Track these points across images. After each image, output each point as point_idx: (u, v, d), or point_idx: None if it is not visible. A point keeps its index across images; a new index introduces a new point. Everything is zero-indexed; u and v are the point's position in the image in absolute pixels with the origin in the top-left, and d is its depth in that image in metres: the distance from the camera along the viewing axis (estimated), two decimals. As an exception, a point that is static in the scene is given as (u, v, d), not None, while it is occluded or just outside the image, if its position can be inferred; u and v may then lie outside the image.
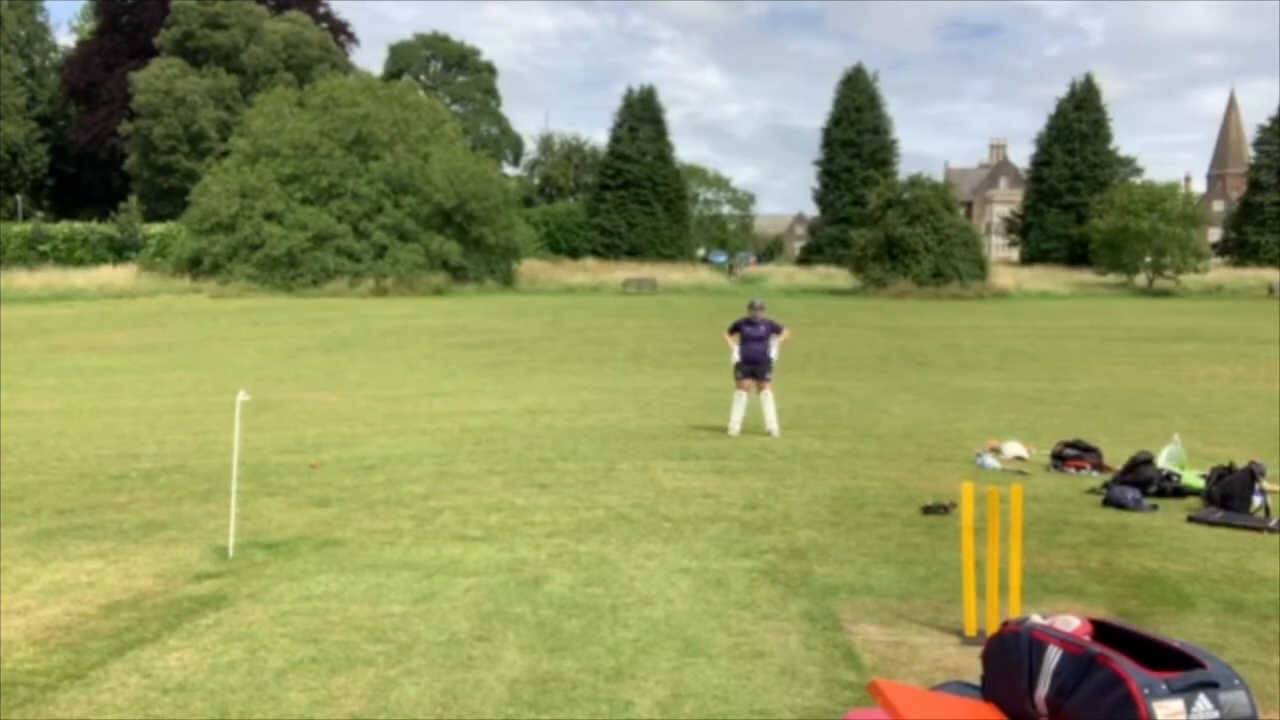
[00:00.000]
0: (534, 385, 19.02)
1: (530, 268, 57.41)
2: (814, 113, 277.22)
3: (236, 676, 4.99)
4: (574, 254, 66.11)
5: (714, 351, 23.11)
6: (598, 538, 7.70)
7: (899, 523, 8.22)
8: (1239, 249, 70.57)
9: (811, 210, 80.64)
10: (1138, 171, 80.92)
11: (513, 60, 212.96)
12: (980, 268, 55.42)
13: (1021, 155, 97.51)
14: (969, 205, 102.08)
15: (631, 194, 67.94)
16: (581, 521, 8.23)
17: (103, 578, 6.68)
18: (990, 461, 10.81)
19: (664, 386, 18.59)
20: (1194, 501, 8.97)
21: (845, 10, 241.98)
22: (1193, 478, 9.45)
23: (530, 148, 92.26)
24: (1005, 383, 19.52)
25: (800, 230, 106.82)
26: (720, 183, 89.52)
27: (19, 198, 69.22)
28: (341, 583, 6.56)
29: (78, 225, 59.60)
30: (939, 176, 67.91)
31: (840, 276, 58.87)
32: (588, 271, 58.88)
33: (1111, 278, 59.45)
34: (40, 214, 66.92)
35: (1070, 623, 3.56)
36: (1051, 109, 72.55)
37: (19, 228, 59.06)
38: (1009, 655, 3.57)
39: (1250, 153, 75.05)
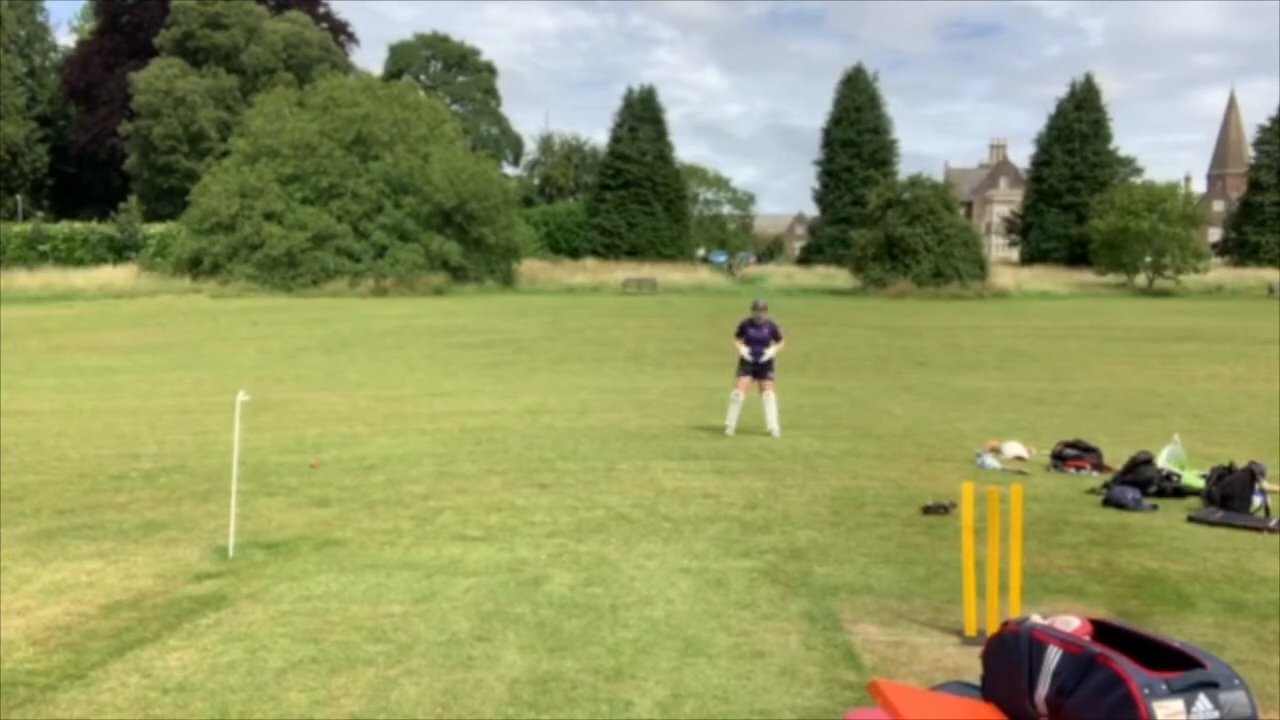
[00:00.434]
0: (534, 385, 19.01)
1: (530, 268, 57.40)
2: (814, 113, 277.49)
3: (236, 676, 4.99)
4: (574, 254, 66.11)
5: (714, 351, 23.12)
6: (598, 538, 7.70)
7: (899, 523, 8.22)
8: (1239, 249, 70.58)
9: (811, 210, 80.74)
10: (1138, 171, 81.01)
11: (513, 60, 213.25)
12: (980, 268, 55.42)
13: (1021, 155, 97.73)
14: (969, 205, 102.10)
15: (631, 194, 67.94)
16: (581, 521, 8.23)
17: (103, 578, 6.68)
18: (990, 461, 10.81)
19: (664, 386, 18.58)
20: (1194, 501, 8.97)
21: (845, 10, 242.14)
22: (1193, 478, 9.44)
23: (530, 148, 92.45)
24: (1005, 383, 19.52)
25: (800, 230, 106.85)
26: (720, 183, 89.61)
27: (19, 198, 69.23)
28: (341, 583, 6.56)
29: (78, 225, 59.59)
30: (939, 176, 67.92)
31: (840, 276, 58.87)
32: (588, 271, 58.88)
33: (1111, 278, 59.44)
34: (40, 214, 66.92)
35: (1070, 623, 3.56)
36: (1051, 109, 72.67)
37: (19, 228, 59.05)
38: (1009, 655, 3.57)
39: (1250, 153, 75.06)
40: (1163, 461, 9.74)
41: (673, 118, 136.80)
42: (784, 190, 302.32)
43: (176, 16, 65.22)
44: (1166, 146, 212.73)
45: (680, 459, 11.04)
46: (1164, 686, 3.14)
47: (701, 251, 75.84)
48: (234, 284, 48.04)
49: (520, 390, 18.05)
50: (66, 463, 10.89)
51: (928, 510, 8.53)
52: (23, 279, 48.33)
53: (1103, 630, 3.53)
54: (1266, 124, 71.54)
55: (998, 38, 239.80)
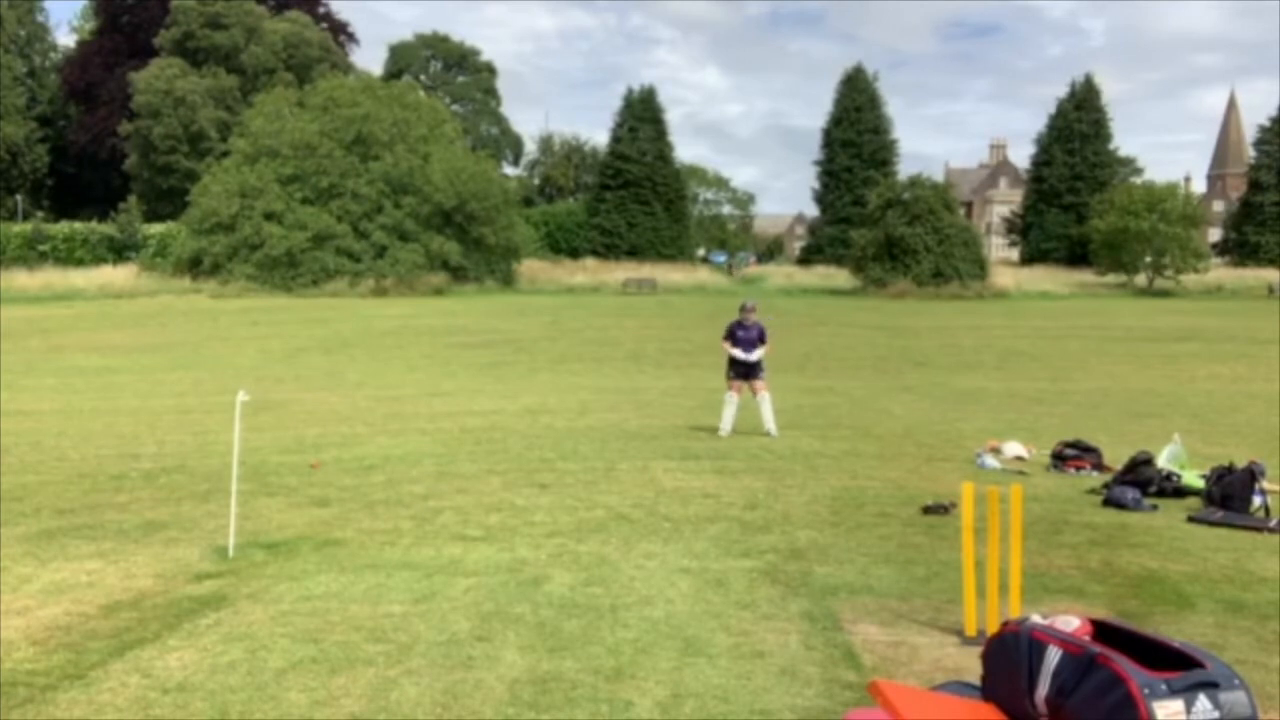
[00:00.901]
0: (534, 385, 19.02)
1: (530, 268, 57.40)
2: (814, 113, 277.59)
3: (236, 676, 4.99)
4: (574, 254, 66.10)
5: (714, 352, 23.05)
6: (598, 538, 7.70)
7: (899, 523, 8.22)
8: (1239, 249, 70.57)
9: (811, 210, 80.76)
10: (1138, 171, 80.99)
11: (513, 60, 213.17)
12: (980, 268, 55.42)
13: (1021, 155, 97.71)
14: (969, 205, 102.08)
15: (631, 194, 67.93)
16: (581, 521, 8.23)
17: (103, 578, 6.68)
18: (990, 461, 10.81)
19: (664, 386, 18.58)
20: (1194, 501, 8.97)
21: (845, 10, 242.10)
22: (1193, 478, 9.44)
23: (530, 148, 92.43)
24: (1005, 383, 19.52)
25: (800, 230, 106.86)
26: (720, 183, 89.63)
27: (19, 198, 69.22)
28: (341, 583, 6.56)
29: (78, 225, 59.58)
30: (939, 176, 68.00)
31: (840, 276, 58.86)
32: (588, 271, 58.87)
33: (1111, 278, 59.44)
34: (40, 214, 66.92)
35: (1070, 623, 3.56)
36: (1051, 109, 72.66)
37: (19, 228, 59.05)
38: (1009, 655, 3.56)
39: (1250, 153, 75.06)
40: (1163, 461, 9.73)
41: (673, 118, 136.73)
42: (784, 190, 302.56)
43: (176, 16, 65.20)
44: (1166, 146, 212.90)
45: (680, 459, 11.04)
46: (1164, 686, 3.14)
47: (701, 251, 75.84)
48: (234, 284, 48.04)
49: (520, 390, 18.05)
50: (66, 463, 10.89)
51: (928, 510, 8.53)
52: (23, 279, 48.34)
53: (1103, 630, 3.53)
54: (1266, 124, 71.55)
55: (998, 38, 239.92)
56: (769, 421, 12.69)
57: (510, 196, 55.91)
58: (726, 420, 12.82)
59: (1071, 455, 10.68)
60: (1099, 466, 10.45)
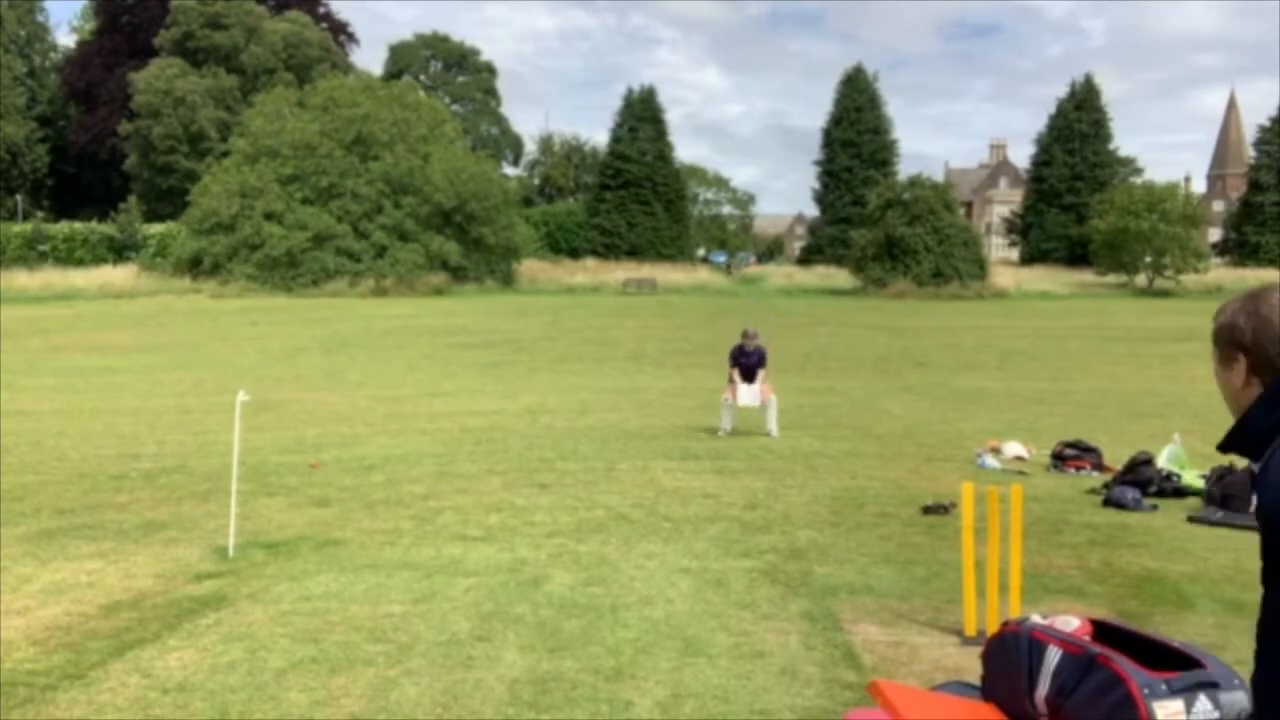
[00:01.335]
0: (534, 385, 19.01)
1: (530, 268, 57.38)
2: (814, 113, 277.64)
3: (236, 676, 4.99)
4: (574, 254, 66.07)
5: (714, 352, 23.08)
6: (598, 538, 7.70)
7: (899, 523, 8.22)
8: (1239, 249, 70.51)
9: (811, 210, 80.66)
10: (1138, 171, 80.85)
11: (513, 60, 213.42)
12: (980, 268, 55.40)
13: (1021, 155, 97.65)
14: (969, 205, 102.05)
15: (631, 194, 67.90)
16: (581, 521, 8.23)
17: (103, 578, 6.68)
18: (990, 461, 10.81)
19: (664, 386, 18.58)
20: (1194, 501, 8.97)
21: (845, 10, 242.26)
22: (1193, 478, 9.45)
23: (530, 148, 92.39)
24: (1005, 383, 19.51)
25: (800, 230, 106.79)
26: (720, 183, 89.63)
27: (19, 198, 69.20)
28: (341, 583, 6.56)
29: (78, 225, 59.54)
30: (939, 176, 67.94)
31: (840, 276, 58.83)
32: (588, 271, 58.85)
33: (1111, 278, 59.41)
34: (40, 214, 66.87)
35: (1070, 623, 3.56)
36: (1051, 109, 72.51)
37: (19, 228, 59.02)
38: (1009, 655, 3.56)
39: (1250, 153, 74.97)
40: (1163, 461, 9.74)
41: (673, 118, 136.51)
42: (784, 190, 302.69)
43: (176, 16, 65.18)
44: (1166, 146, 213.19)
45: (680, 459, 11.04)
46: (1164, 686, 3.14)
47: (701, 251, 75.81)
48: (234, 284, 48.00)
49: (520, 390, 18.05)
50: (66, 463, 10.89)
51: (928, 510, 8.53)
52: (23, 279, 48.29)
53: (1103, 630, 3.53)
54: (1266, 124, 71.40)
55: (998, 38, 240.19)
56: (771, 423, 12.71)
57: (510, 196, 55.89)
58: (726, 420, 12.85)
59: (1071, 455, 10.68)
60: (1099, 466, 10.45)
